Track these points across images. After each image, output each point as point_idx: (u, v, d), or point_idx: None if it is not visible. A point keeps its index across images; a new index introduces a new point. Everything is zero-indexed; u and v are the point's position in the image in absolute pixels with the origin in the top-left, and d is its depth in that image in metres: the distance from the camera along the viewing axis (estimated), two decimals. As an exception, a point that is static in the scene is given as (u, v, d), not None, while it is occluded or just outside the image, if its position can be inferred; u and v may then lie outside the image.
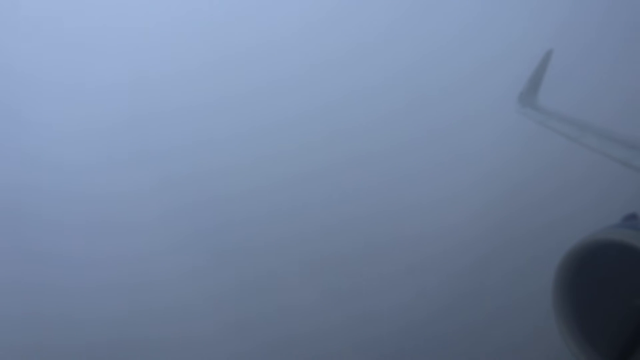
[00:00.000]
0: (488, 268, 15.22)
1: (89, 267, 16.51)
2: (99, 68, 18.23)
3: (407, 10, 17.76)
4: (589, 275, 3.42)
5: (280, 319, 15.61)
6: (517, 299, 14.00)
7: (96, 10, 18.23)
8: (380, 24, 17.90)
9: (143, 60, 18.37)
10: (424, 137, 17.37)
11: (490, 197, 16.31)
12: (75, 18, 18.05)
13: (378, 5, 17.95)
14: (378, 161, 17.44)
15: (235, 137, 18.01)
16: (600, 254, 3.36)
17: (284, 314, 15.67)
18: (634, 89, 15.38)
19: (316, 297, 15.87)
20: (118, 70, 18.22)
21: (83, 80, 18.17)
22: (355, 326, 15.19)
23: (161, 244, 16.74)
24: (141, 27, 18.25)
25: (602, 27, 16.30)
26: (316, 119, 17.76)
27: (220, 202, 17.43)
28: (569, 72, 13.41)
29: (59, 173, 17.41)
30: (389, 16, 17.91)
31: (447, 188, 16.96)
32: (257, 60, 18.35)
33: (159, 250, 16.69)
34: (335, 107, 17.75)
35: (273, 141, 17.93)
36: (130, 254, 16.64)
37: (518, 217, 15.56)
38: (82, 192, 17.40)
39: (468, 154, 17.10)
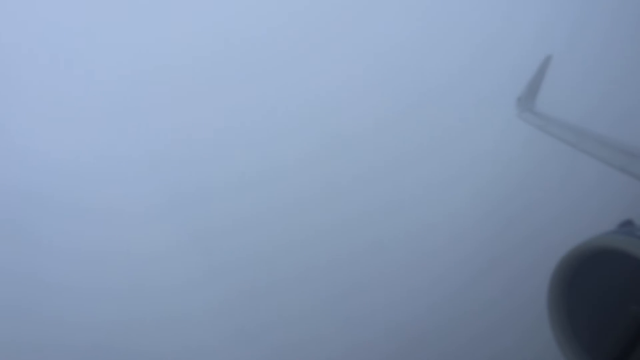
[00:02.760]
0: (482, 275, 15.22)
1: (89, 266, 16.48)
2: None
3: (405, 12, 17.74)
4: (584, 282, 3.40)
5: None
6: (512, 306, 14.00)
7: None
8: (376, 24, 17.84)
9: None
10: (421, 138, 17.37)
11: (485, 202, 16.33)
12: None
13: (374, 6, 17.89)
14: (370, 156, 17.43)
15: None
16: (595, 261, 3.35)
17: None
18: (634, 95, 15.41)
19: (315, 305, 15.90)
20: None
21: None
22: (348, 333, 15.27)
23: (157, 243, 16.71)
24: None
25: (603, 32, 16.32)
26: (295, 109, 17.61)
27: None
28: (568, 78, 13.42)
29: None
30: (383, 17, 17.87)
31: (443, 189, 16.97)
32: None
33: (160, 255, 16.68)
34: (324, 108, 17.65)
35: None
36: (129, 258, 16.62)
37: (512, 222, 15.57)
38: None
39: (463, 156, 17.10)
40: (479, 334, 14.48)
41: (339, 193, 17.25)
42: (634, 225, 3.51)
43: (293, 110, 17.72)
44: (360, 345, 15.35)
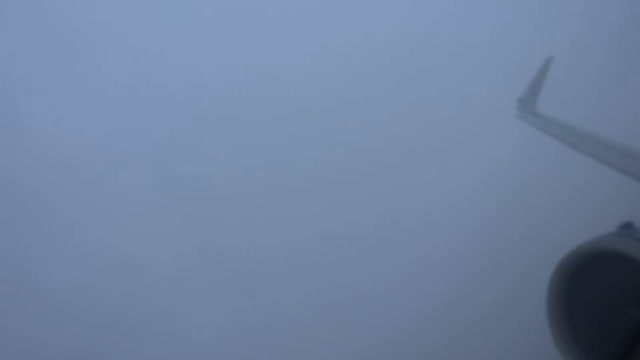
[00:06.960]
0: (480, 277, 15.20)
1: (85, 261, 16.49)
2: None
3: (406, 12, 17.71)
4: (583, 284, 3.38)
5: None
6: (511, 308, 13.99)
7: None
8: (376, 22, 17.80)
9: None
10: (421, 139, 17.35)
11: (484, 204, 16.30)
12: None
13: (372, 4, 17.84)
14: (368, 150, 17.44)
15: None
16: (594, 263, 3.32)
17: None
18: (635, 96, 15.38)
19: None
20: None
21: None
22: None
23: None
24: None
25: (605, 33, 16.28)
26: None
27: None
28: (569, 79, 13.39)
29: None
30: (385, 15, 17.83)
31: (442, 190, 16.95)
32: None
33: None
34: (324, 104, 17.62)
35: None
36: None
37: (511, 224, 15.54)
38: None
39: (464, 157, 17.08)
40: (476, 338, 14.45)
41: (338, 188, 17.26)
42: (634, 228, 3.48)
43: (295, 109, 17.71)
44: (357, 345, 15.34)
